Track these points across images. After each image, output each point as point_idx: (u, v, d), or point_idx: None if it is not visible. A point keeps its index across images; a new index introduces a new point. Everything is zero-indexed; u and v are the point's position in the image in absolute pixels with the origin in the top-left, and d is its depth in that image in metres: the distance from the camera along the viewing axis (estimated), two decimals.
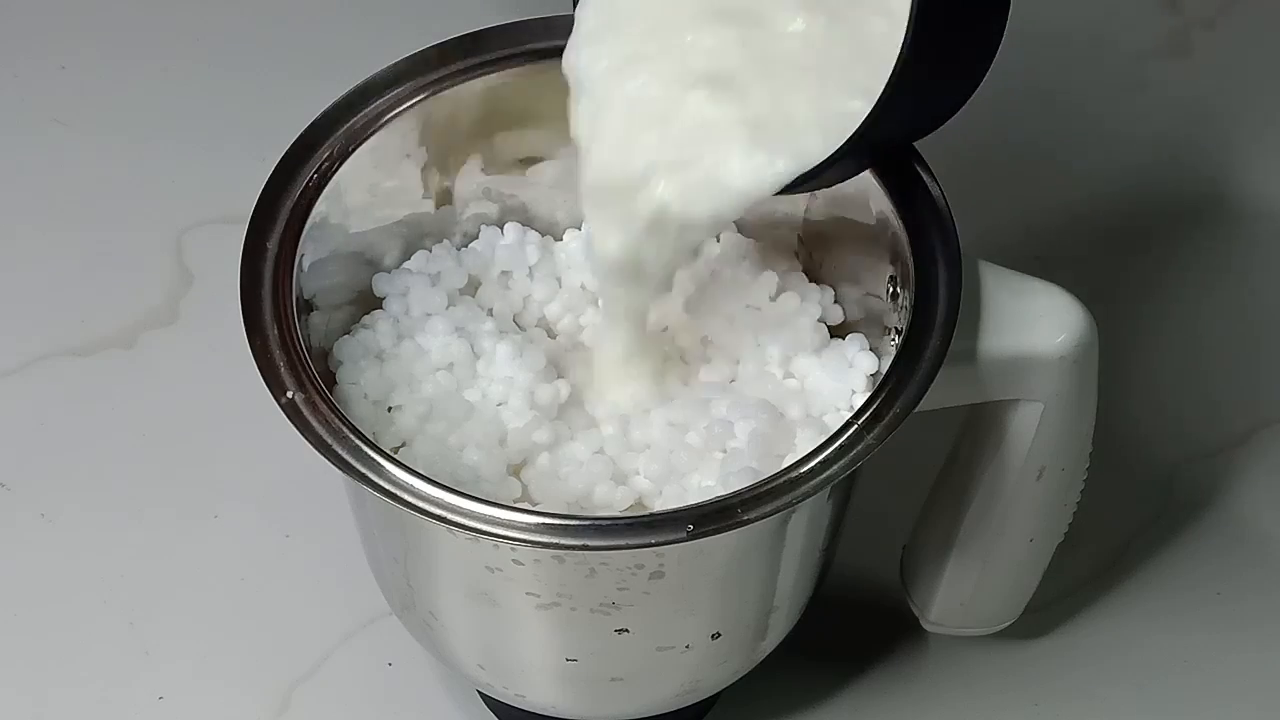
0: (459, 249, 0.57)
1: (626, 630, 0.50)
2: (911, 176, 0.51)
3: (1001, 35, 0.47)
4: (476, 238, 0.57)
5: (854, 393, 0.53)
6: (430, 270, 0.55)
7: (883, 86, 0.44)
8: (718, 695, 0.59)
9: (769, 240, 0.56)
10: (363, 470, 0.46)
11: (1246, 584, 0.65)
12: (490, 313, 0.55)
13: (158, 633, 0.63)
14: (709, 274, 0.56)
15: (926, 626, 0.61)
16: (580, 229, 0.57)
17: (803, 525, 0.50)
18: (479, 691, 0.61)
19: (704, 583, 0.50)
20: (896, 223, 0.51)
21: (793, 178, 0.47)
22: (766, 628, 0.54)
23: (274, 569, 0.64)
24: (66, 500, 0.66)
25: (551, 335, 0.56)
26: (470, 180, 0.56)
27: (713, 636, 0.51)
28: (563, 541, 0.45)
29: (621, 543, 0.45)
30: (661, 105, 0.49)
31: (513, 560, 0.47)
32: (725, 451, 0.51)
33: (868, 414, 0.47)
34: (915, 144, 0.51)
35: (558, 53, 0.52)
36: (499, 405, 0.53)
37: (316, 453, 0.46)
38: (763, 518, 0.45)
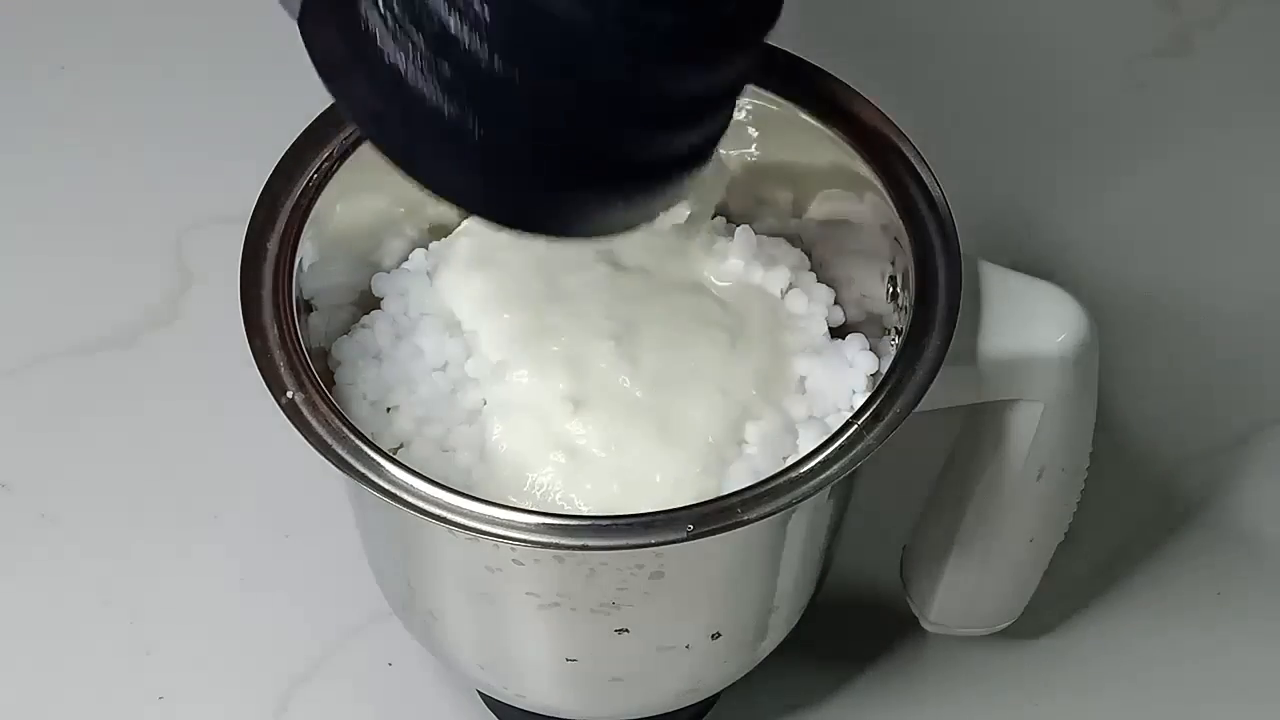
0: None
1: (626, 630, 0.50)
2: (911, 176, 0.51)
3: None
4: None
5: (854, 393, 0.53)
6: (430, 270, 0.55)
7: None
8: (718, 695, 0.59)
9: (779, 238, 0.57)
10: (363, 470, 0.46)
11: (1246, 584, 0.65)
12: None
13: (158, 633, 0.63)
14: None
15: (926, 626, 0.61)
16: None
17: (803, 525, 0.50)
18: (479, 691, 0.61)
19: (704, 583, 0.50)
20: (896, 223, 0.51)
21: None
22: (766, 628, 0.54)
23: (274, 569, 0.64)
24: (66, 500, 0.66)
25: None
26: None
27: (713, 636, 0.51)
28: (563, 541, 0.45)
29: (621, 543, 0.45)
30: None
31: (513, 560, 0.47)
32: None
33: (868, 414, 0.47)
34: (914, 143, 0.51)
35: None
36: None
37: (316, 453, 0.46)
38: (763, 518, 0.45)
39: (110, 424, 0.68)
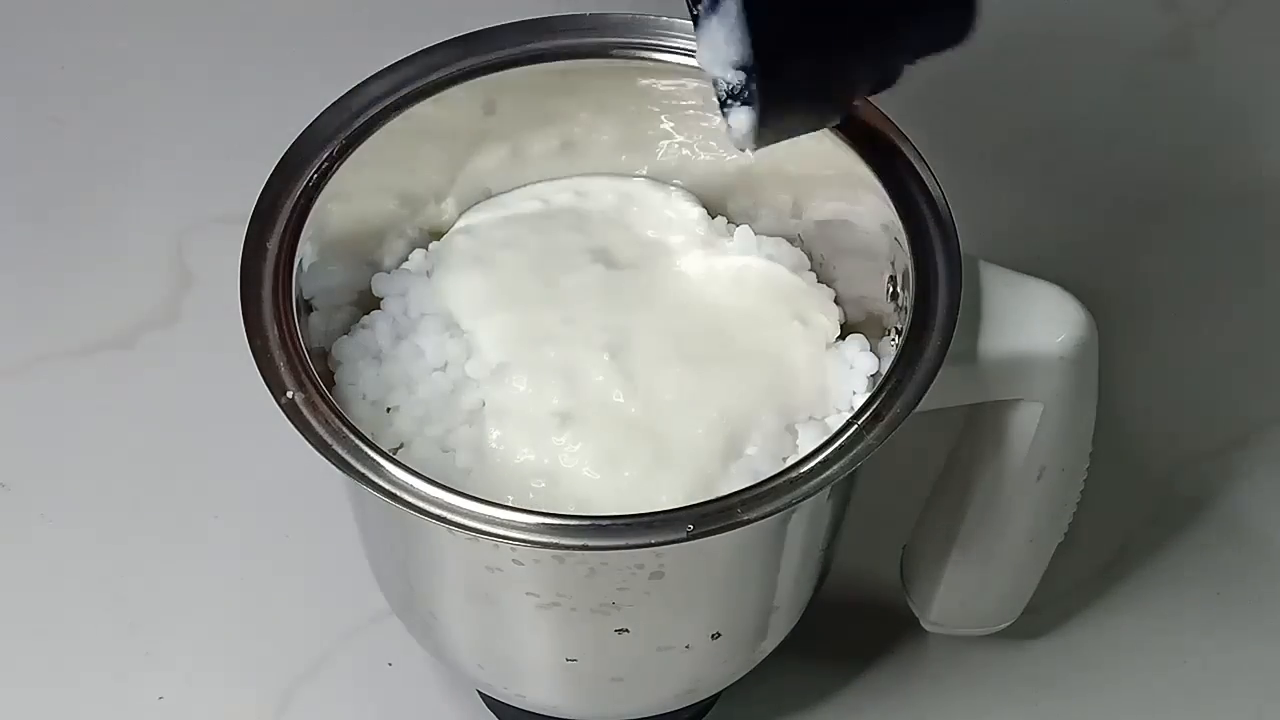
0: None
1: (626, 630, 0.50)
2: (911, 176, 0.51)
3: None
4: None
5: (854, 393, 0.53)
6: (429, 270, 0.55)
7: None
8: (718, 695, 0.59)
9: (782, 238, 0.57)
10: (363, 470, 0.46)
11: (1246, 584, 0.65)
12: None
13: (158, 633, 0.63)
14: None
15: (926, 626, 0.61)
16: None
17: (803, 525, 0.50)
18: (479, 691, 0.61)
19: (704, 583, 0.50)
20: (896, 223, 0.51)
21: None
22: (766, 628, 0.54)
23: (274, 569, 0.64)
24: (66, 500, 0.66)
25: None
26: (470, 180, 0.56)
27: (713, 636, 0.51)
28: (563, 541, 0.45)
29: (621, 543, 0.45)
30: None
31: (512, 560, 0.47)
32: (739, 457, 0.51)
33: (868, 414, 0.47)
34: (915, 143, 0.51)
35: (558, 53, 0.52)
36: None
37: (316, 453, 0.46)
38: (763, 518, 0.45)
39: (110, 424, 0.68)
